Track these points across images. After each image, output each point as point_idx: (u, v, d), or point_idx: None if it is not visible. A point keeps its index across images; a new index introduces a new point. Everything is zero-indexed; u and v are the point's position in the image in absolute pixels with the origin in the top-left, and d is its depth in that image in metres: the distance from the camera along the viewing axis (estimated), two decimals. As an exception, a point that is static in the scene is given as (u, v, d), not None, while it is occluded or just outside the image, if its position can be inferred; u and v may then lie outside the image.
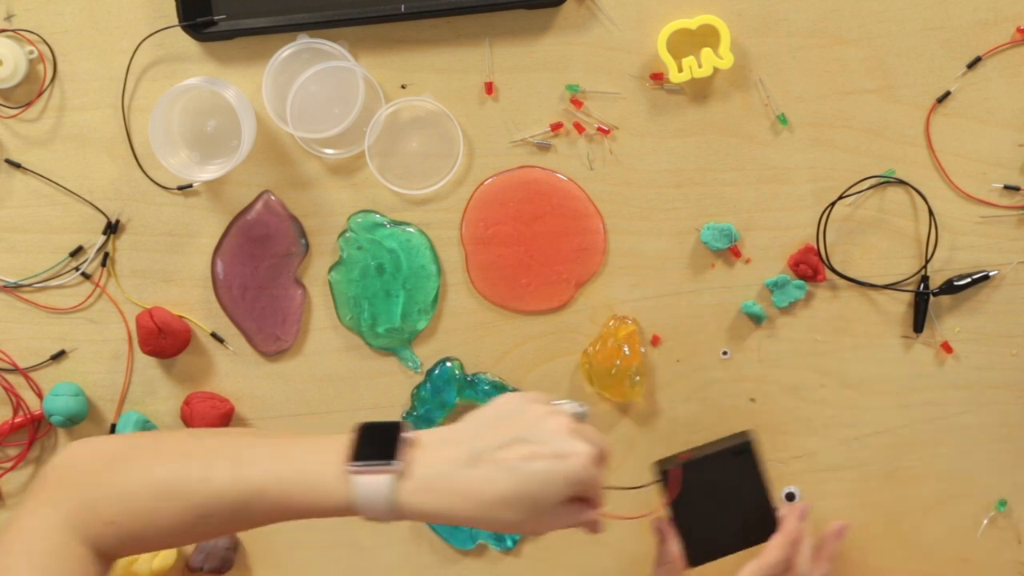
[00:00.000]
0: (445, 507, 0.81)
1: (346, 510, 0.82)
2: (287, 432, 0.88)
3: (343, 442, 0.83)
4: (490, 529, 0.83)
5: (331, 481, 0.82)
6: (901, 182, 1.07)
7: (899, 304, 1.09)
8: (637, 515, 1.00)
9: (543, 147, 1.09)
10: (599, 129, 1.08)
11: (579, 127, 1.08)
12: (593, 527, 0.86)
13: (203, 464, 0.84)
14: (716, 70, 1.05)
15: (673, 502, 1.04)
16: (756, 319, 1.09)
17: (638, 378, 1.09)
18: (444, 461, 0.82)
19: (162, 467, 0.84)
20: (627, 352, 1.08)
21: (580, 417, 0.86)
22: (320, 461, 0.83)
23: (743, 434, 1.07)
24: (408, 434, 0.83)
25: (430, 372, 1.11)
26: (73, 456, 0.85)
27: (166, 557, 1.11)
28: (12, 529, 0.81)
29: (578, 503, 0.84)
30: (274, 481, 0.82)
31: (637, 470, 1.10)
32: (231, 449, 0.85)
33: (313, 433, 0.86)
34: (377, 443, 0.83)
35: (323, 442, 0.84)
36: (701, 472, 1.05)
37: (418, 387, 1.11)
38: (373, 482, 0.81)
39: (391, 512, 0.81)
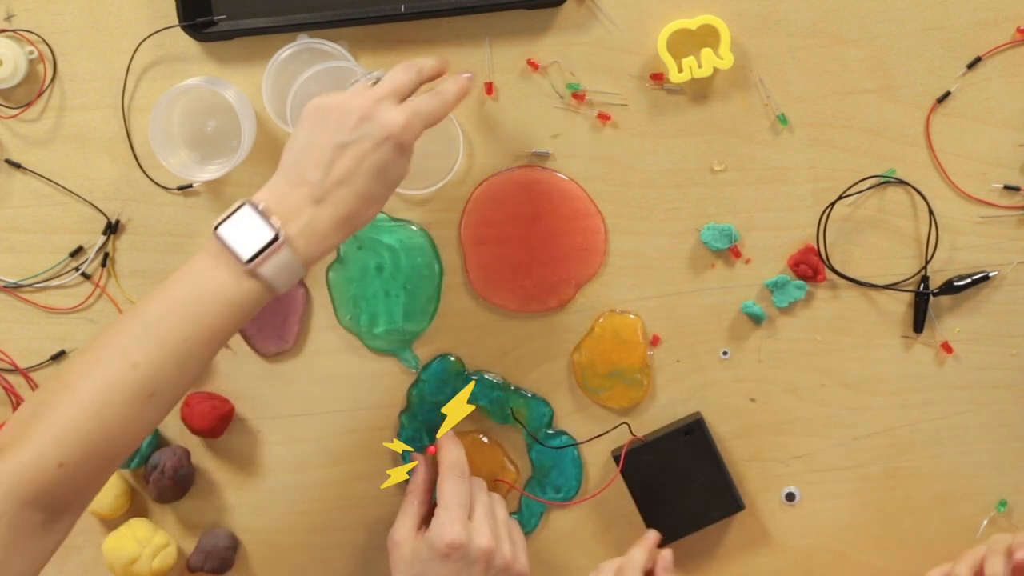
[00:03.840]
0: (333, 240, 0.89)
1: (267, 297, 0.89)
2: (157, 289, 0.90)
3: (218, 253, 0.87)
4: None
5: (240, 287, 0.87)
6: (901, 182, 1.07)
7: (899, 304, 1.09)
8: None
9: (541, 156, 1.09)
10: (600, 115, 1.07)
11: (579, 97, 1.07)
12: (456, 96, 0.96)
13: (119, 355, 0.85)
14: (716, 70, 1.05)
15: (634, 486, 1.08)
16: (756, 319, 1.09)
17: (642, 378, 1.09)
18: (300, 210, 0.88)
19: (84, 385, 0.85)
20: (628, 349, 1.09)
21: (374, 81, 0.94)
22: (217, 279, 0.88)
23: (693, 415, 1.09)
24: (259, 206, 0.88)
25: (427, 367, 1.11)
26: None
27: (166, 557, 1.11)
28: None
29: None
30: (193, 326, 0.86)
31: (637, 470, 1.10)
32: (133, 328, 0.87)
33: (190, 288, 0.89)
34: (246, 232, 0.87)
35: (202, 264, 0.88)
36: (656, 453, 1.07)
37: (414, 385, 1.11)
38: (275, 263, 0.87)
39: (300, 274, 0.89)
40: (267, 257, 0.87)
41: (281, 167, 0.91)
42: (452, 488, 1.00)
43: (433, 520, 0.99)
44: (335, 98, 0.91)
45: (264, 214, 0.88)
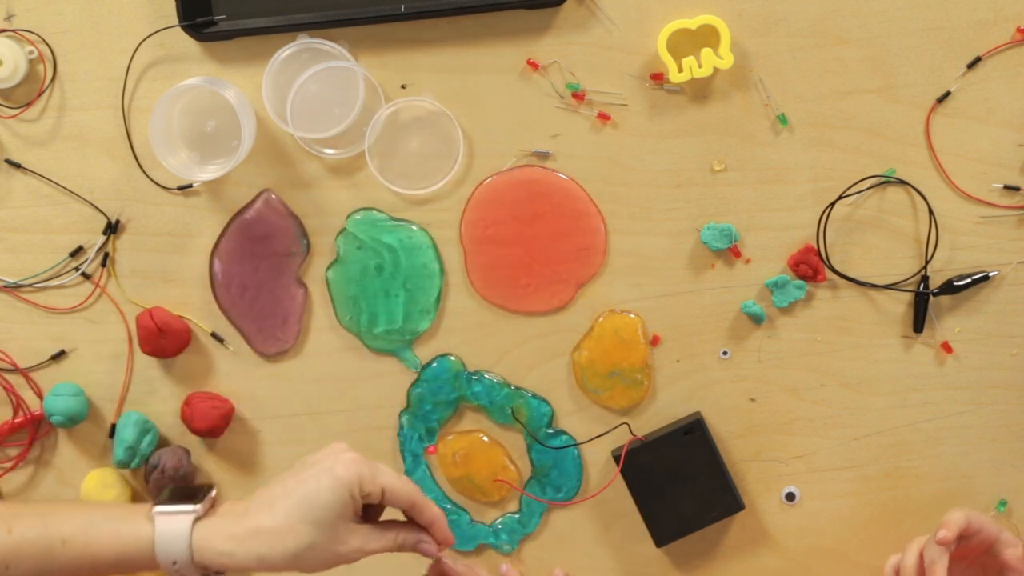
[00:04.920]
0: (242, 550, 0.86)
1: (148, 555, 0.87)
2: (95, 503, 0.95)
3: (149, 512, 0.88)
4: (298, 570, 0.88)
5: (135, 525, 0.87)
6: (901, 182, 1.07)
7: (899, 304, 1.09)
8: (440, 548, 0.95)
9: (541, 155, 1.09)
10: (600, 115, 1.07)
11: (579, 97, 1.07)
12: (422, 550, 0.92)
13: (4, 519, 0.87)
14: (716, 70, 1.05)
15: (634, 486, 1.08)
16: (756, 319, 1.09)
17: (642, 378, 1.09)
18: (241, 507, 0.88)
19: None
20: (629, 348, 1.09)
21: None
22: (127, 510, 0.89)
23: (693, 415, 1.09)
24: (214, 492, 0.90)
25: (427, 367, 1.11)
26: None
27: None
28: None
29: (378, 525, 0.90)
30: (80, 531, 0.87)
31: (637, 470, 1.10)
32: (39, 507, 0.90)
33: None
34: (183, 494, 0.89)
35: (134, 504, 0.92)
36: (655, 453, 1.08)
37: (414, 385, 1.11)
38: (173, 522, 0.86)
39: (189, 554, 0.86)
40: (170, 512, 0.87)
41: None
42: None
43: None
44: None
45: (211, 494, 0.90)
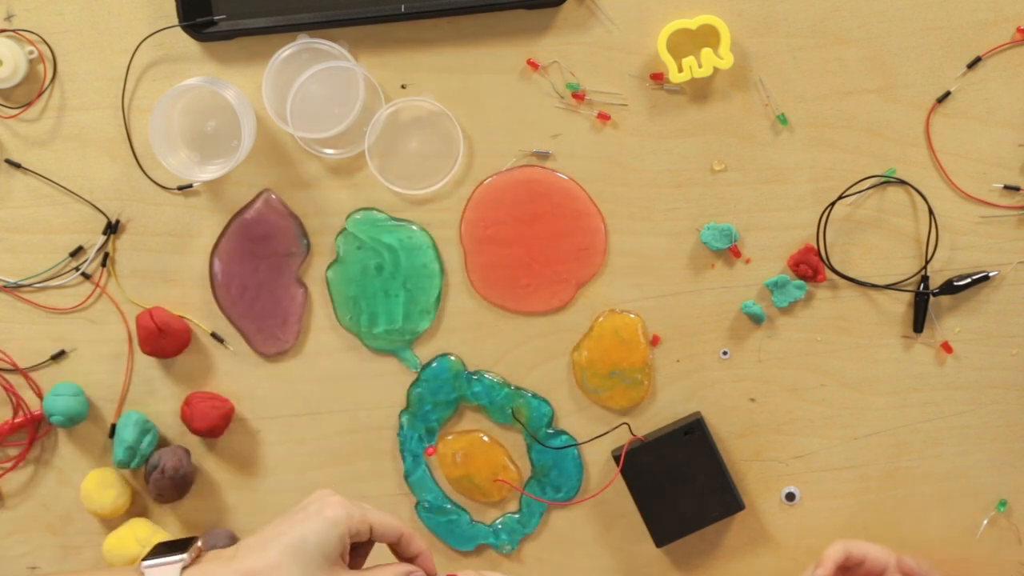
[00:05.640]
0: None
1: None
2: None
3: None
4: None
5: None
6: (901, 182, 1.07)
7: (899, 304, 1.09)
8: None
9: (541, 155, 1.09)
10: (600, 115, 1.07)
11: (579, 97, 1.07)
12: None
13: None
14: (716, 70, 1.05)
15: (634, 486, 1.08)
16: (756, 319, 1.09)
17: (642, 378, 1.09)
18: (228, 552, 0.89)
19: None
20: (629, 348, 1.09)
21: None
22: (116, 571, 0.93)
23: (693, 415, 1.09)
24: (199, 542, 0.90)
25: (427, 367, 1.11)
26: None
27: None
28: None
29: (364, 571, 0.91)
30: None
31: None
32: None
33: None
34: (171, 546, 0.90)
35: (120, 567, 0.96)
36: (655, 453, 1.08)
37: (414, 385, 1.11)
38: (162, 572, 0.87)
39: None
40: (158, 564, 0.88)
41: None
42: None
43: None
44: None
45: (198, 544, 0.90)
